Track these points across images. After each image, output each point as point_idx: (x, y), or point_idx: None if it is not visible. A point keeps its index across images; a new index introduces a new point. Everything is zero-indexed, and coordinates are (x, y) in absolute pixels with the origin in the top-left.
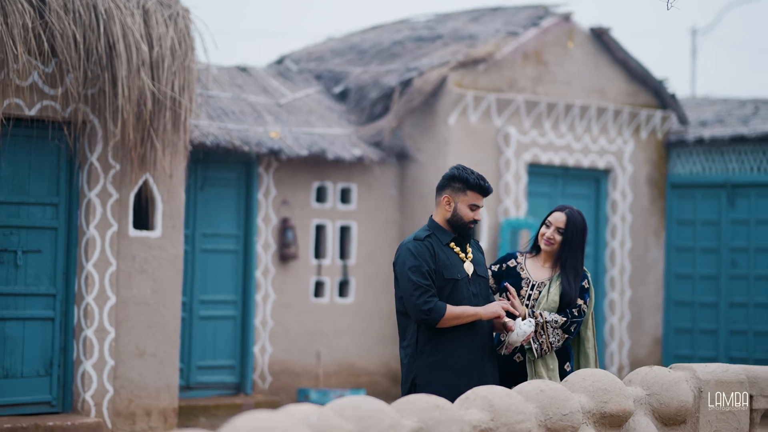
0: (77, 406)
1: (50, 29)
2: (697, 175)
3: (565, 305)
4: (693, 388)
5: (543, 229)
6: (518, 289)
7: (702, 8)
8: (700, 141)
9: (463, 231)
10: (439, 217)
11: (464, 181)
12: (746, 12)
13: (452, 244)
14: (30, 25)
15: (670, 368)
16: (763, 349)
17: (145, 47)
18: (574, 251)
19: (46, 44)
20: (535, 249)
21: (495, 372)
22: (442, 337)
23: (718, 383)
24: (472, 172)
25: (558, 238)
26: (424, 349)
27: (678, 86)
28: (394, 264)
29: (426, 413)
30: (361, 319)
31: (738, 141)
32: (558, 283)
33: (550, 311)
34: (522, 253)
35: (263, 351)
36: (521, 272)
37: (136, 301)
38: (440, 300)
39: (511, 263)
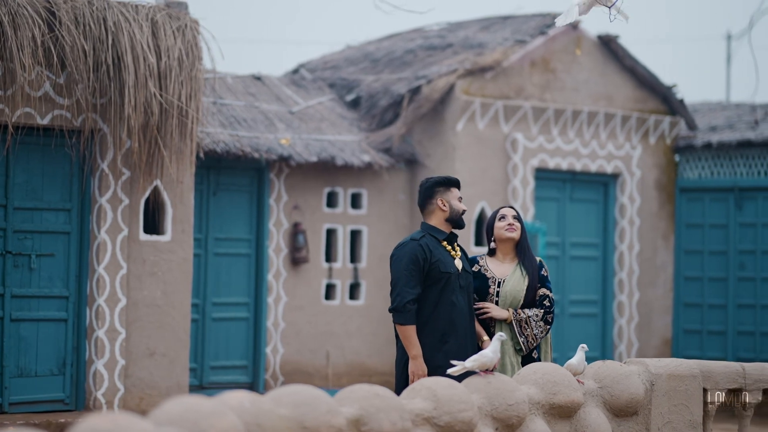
0: (89, 404)
1: (60, 42)
2: (705, 179)
3: (531, 292)
4: (645, 381)
5: (498, 223)
6: (486, 288)
7: (737, 13)
8: (708, 146)
9: (459, 223)
10: (435, 220)
11: (445, 183)
12: None
13: (444, 243)
14: (41, 38)
15: (624, 362)
16: None
17: (152, 58)
18: (526, 240)
19: (56, 56)
20: (491, 252)
21: None
22: (437, 322)
23: (671, 377)
24: (443, 175)
25: (518, 224)
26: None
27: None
28: (392, 258)
29: (366, 401)
30: (372, 321)
31: (745, 146)
32: (516, 274)
33: (518, 301)
34: (482, 257)
35: (275, 352)
36: (486, 273)
37: (147, 303)
38: (435, 291)
39: (475, 268)
